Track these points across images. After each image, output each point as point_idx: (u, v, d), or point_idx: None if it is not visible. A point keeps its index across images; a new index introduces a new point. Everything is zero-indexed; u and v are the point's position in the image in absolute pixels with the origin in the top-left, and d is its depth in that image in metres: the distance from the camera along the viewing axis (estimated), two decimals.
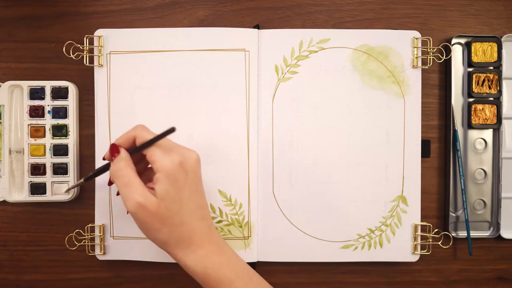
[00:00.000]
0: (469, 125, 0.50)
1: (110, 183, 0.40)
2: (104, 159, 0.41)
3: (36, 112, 0.49)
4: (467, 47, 0.50)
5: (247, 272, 0.39)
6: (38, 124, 0.49)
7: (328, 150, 0.49)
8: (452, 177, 0.51)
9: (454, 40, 0.50)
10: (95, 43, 0.49)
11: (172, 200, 0.36)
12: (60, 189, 0.49)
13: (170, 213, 0.36)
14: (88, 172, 0.50)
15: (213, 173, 0.49)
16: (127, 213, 0.37)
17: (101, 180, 0.49)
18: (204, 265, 0.37)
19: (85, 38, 0.48)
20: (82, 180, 0.43)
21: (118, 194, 0.43)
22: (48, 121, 0.49)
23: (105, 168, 0.40)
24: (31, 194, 0.49)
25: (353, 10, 0.51)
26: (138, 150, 0.38)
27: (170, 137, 0.38)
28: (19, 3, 0.51)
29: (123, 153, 0.37)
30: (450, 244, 0.50)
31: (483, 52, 0.50)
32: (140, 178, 0.37)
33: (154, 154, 0.36)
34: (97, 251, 0.49)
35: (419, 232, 0.49)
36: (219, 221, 0.49)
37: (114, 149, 0.38)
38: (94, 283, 0.51)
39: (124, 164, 0.37)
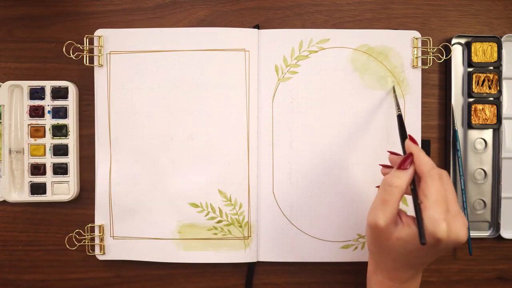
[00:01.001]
0: (469, 125, 0.50)
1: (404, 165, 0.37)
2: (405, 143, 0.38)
3: (36, 112, 0.49)
4: (467, 47, 0.50)
5: None
6: (38, 124, 0.49)
7: (328, 150, 0.49)
8: (452, 177, 0.51)
9: (454, 40, 0.50)
10: (95, 43, 0.49)
11: (405, 247, 0.35)
12: (61, 189, 0.49)
13: (393, 249, 0.36)
14: (89, 172, 0.50)
15: (213, 173, 0.49)
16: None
17: (101, 180, 0.49)
18: None
19: (85, 38, 0.48)
20: (399, 112, 0.43)
21: (383, 168, 0.42)
22: (48, 121, 0.49)
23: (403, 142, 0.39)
24: (31, 194, 0.49)
25: (353, 10, 0.51)
26: (416, 197, 0.35)
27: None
28: (19, 3, 0.51)
29: (409, 173, 0.35)
30: None
31: (483, 52, 0.50)
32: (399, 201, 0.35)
33: (427, 210, 0.33)
34: (97, 251, 0.49)
35: None
36: (219, 221, 0.49)
37: (407, 160, 0.36)
38: (94, 283, 0.51)
39: (399, 183, 0.35)
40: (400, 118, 0.43)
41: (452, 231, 0.33)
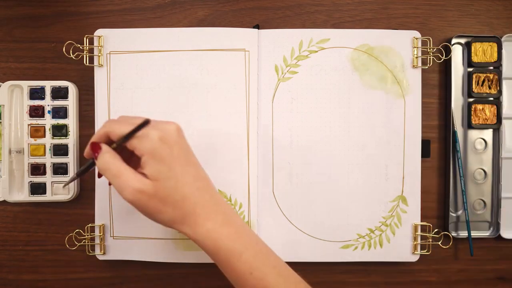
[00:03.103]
0: (469, 125, 0.50)
1: (100, 175, 0.39)
2: (85, 156, 0.39)
3: (36, 112, 0.49)
4: (467, 47, 0.50)
5: (256, 243, 0.39)
6: (38, 124, 0.49)
7: (328, 150, 0.49)
8: (452, 177, 0.51)
9: (454, 40, 0.50)
10: (95, 43, 0.49)
11: (166, 178, 0.35)
12: (58, 189, 0.49)
13: (168, 191, 0.35)
14: (88, 172, 0.50)
15: (213, 173, 0.49)
16: (127, 202, 0.35)
17: (101, 180, 0.49)
18: (213, 238, 0.36)
19: (85, 38, 0.48)
20: (74, 175, 0.42)
21: (110, 184, 0.41)
22: (48, 121, 0.49)
23: (91, 165, 0.39)
24: (31, 194, 0.49)
25: (352, 10, 0.51)
26: (118, 145, 0.37)
27: None
28: (19, 3, 0.51)
29: (105, 147, 0.36)
30: (450, 244, 0.50)
31: (483, 52, 0.50)
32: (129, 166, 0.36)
33: (132, 141, 0.35)
34: (97, 251, 0.49)
35: (419, 232, 0.49)
36: None
37: (95, 147, 0.37)
38: (94, 283, 0.51)
39: (109, 156, 0.36)
40: (81, 172, 0.41)
41: (159, 127, 0.36)
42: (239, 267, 0.37)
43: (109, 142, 0.37)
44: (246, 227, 0.39)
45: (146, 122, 0.35)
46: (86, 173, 0.41)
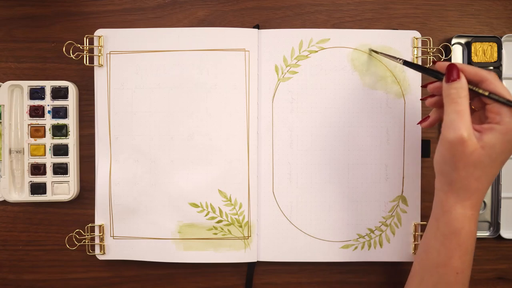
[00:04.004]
0: None
1: (426, 86, 0.40)
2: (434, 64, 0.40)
3: (36, 112, 0.49)
4: (467, 47, 0.50)
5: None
6: (38, 124, 0.49)
7: (328, 150, 0.49)
8: None
9: (454, 40, 0.50)
10: (95, 43, 0.49)
11: (489, 155, 0.35)
12: (61, 189, 0.49)
13: (479, 163, 0.35)
14: (89, 172, 0.50)
15: (213, 173, 0.49)
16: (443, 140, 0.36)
17: (101, 180, 0.49)
18: (463, 224, 0.37)
19: (85, 38, 0.48)
20: (400, 61, 0.43)
21: (422, 122, 0.43)
22: (48, 121, 0.49)
23: (432, 73, 0.39)
24: (31, 194, 0.49)
25: (353, 10, 0.51)
26: (481, 95, 0.36)
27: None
28: (19, 3, 0.51)
29: (464, 82, 0.36)
30: None
31: (483, 52, 0.50)
32: None
33: (502, 108, 0.35)
34: (97, 251, 0.49)
35: (419, 232, 0.49)
36: (219, 221, 0.49)
37: (455, 71, 0.36)
38: (94, 283, 0.51)
39: (464, 93, 0.36)
40: (408, 63, 0.43)
41: None
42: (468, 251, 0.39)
43: (472, 82, 0.37)
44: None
45: None
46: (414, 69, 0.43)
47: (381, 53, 0.48)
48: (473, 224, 0.38)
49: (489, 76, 0.36)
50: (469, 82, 0.37)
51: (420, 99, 0.45)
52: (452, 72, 0.37)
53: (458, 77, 0.36)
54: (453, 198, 0.38)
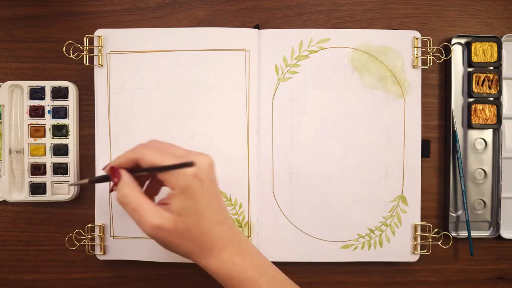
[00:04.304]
0: (469, 125, 0.50)
1: (112, 190, 0.38)
2: (104, 169, 0.38)
3: (36, 112, 0.49)
4: (467, 47, 0.50)
5: (270, 270, 0.39)
6: (38, 124, 0.49)
7: (328, 150, 0.49)
8: (452, 177, 0.51)
9: (454, 40, 0.50)
10: (95, 43, 0.49)
11: (189, 214, 0.35)
12: (60, 189, 0.49)
13: (188, 227, 0.35)
14: (89, 172, 0.50)
15: None
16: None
17: None
18: (228, 268, 0.37)
19: (85, 38, 0.48)
20: (86, 181, 0.41)
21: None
22: (48, 121, 0.49)
23: (107, 178, 0.38)
24: (31, 194, 0.49)
25: (353, 10, 0.51)
26: (144, 172, 0.36)
27: (173, 139, 0.37)
28: (19, 3, 0.51)
29: (125, 178, 0.36)
30: (450, 244, 0.50)
31: (483, 52, 0.50)
32: (146, 193, 0.36)
33: (164, 175, 0.35)
34: (97, 251, 0.49)
35: (419, 232, 0.49)
36: None
37: (114, 173, 0.36)
38: (94, 283, 0.51)
39: (129, 190, 0.35)
40: (92, 182, 0.40)
41: (194, 158, 0.35)
42: None
43: (135, 167, 0.37)
44: (261, 255, 0.40)
45: (188, 164, 0.34)
46: (99, 183, 0.40)
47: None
48: (234, 267, 0.37)
49: (137, 154, 0.36)
50: (131, 168, 0.36)
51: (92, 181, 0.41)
52: (113, 175, 0.36)
53: (119, 175, 0.36)
54: (203, 259, 0.37)
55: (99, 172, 0.49)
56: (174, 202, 0.35)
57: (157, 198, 0.40)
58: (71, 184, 0.45)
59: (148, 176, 0.40)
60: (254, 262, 0.38)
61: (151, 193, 0.40)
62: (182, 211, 0.35)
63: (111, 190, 0.38)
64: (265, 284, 0.37)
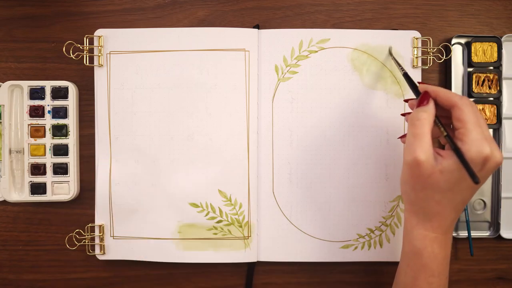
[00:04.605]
0: None
1: (403, 137, 0.40)
2: (420, 83, 0.39)
3: (36, 112, 0.49)
4: (467, 47, 0.50)
5: (446, 274, 0.40)
6: (38, 124, 0.49)
7: (328, 150, 0.49)
8: None
9: (454, 40, 0.50)
10: (95, 43, 0.49)
11: (447, 180, 0.35)
12: (61, 189, 0.49)
13: (437, 187, 0.35)
14: (88, 172, 0.50)
15: (213, 173, 0.49)
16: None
17: (101, 180, 0.49)
18: (424, 245, 0.38)
19: (85, 38, 0.48)
20: (401, 72, 0.44)
21: (401, 137, 0.43)
22: (48, 121, 0.49)
23: (416, 90, 0.39)
24: (31, 194, 0.49)
25: (353, 10, 0.51)
26: (443, 131, 0.36)
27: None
28: (19, 3, 0.51)
29: (431, 107, 0.36)
30: None
31: (483, 52, 0.50)
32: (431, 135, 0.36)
33: (469, 132, 0.34)
34: (97, 251, 0.49)
35: None
36: (219, 221, 0.49)
37: (426, 97, 0.37)
38: (94, 283, 0.51)
39: (425, 116, 0.36)
40: (407, 76, 0.43)
41: (493, 150, 0.34)
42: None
43: (445, 109, 0.37)
44: (449, 258, 0.41)
45: (475, 179, 0.33)
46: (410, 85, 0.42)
47: (393, 57, 0.48)
48: (437, 246, 0.38)
49: (459, 101, 0.36)
50: (442, 107, 0.37)
51: (401, 114, 0.45)
52: (423, 99, 0.37)
53: (427, 102, 0.37)
54: (414, 218, 0.38)
55: (99, 172, 0.49)
56: (449, 160, 0.35)
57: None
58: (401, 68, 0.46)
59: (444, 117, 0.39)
60: (445, 261, 0.39)
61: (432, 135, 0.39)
62: (447, 174, 0.35)
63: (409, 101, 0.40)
64: (436, 282, 0.39)
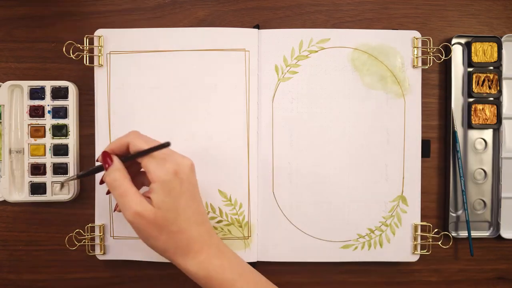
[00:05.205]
0: (469, 125, 0.50)
1: (102, 182, 0.40)
2: (97, 161, 0.41)
3: (36, 112, 0.49)
4: (467, 47, 0.50)
5: (249, 271, 0.40)
6: (38, 124, 0.49)
7: (328, 150, 0.49)
8: (452, 177, 0.51)
9: (454, 40, 0.50)
10: (95, 43, 0.49)
11: (168, 209, 0.36)
12: (57, 188, 0.49)
13: (167, 222, 0.36)
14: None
15: (213, 173, 0.49)
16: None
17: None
18: (206, 269, 0.38)
19: (85, 38, 0.48)
20: (74, 175, 0.42)
21: (115, 210, 0.44)
22: (48, 121, 0.49)
23: (97, 170, 0.40)
24: (31, 194, 0.49)
25: (353, 10, 0.51)
26: (131, 159, 0.38)
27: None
28: (19, 3, 0.51)
29: (117, 163, 0.37)
30: (450, 244, 0.50)
31: (483, 52, 0.50)
32: (134, 183, 0.37)
33: (148, 164, 0.37)
34: (97, 251, 0.49)
35: (419, 232, 0.49)
36: (219, 221, 0.49)
37: (106, 158, 0.38)
38: (94, 283, 0.51)
39: (118, 175, 0.37)
40: (86, 173, 0.42)
41: (176, 160, 0.38)
42: None
43: (126, 153, 0.38)
44: (238, 258, 0.41)
45: (166, 144, 0.36)
46: (87, 177, 0.42)
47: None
48: (212, 268, 0.38)
49: (128, 138, 0.38)
50: (123, 154, 0.38)
51: (99, 183, 0.42)
52: (105, 160, 0.38)
53: (111, 160, 0.37)
54: (180, 258, 0.38)
55: (100, 173, 0.49)
56: (154, 195, 0.36)
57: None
58: (62, 183, 0.46)
59: (136, 167, 0.41)
60: (232, 264, 0.39)
61: (137, 185, 0.41)
62: (162, 206, 0.36)
63: (101, 182, 0.40)
64: (244, 285, 0.38)
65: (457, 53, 0.51)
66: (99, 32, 0.49)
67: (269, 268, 0.51)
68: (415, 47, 0.49)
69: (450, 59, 0.50)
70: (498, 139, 0.50)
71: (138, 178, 0.42)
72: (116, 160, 0.38)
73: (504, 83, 0.51)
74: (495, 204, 0.51)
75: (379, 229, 0.49)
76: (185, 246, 0.38)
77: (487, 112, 0.50)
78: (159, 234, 0.37)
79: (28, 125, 0.49)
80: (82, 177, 0.42)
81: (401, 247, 0.49)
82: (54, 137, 0.49)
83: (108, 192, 0.43)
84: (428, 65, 0.49)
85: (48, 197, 0.49)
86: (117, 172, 0.37)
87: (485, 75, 0.50)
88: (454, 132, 0.50)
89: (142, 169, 0.40)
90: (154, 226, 0.36)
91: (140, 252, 0.49)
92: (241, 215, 0.49)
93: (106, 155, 0.38)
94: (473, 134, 0.51)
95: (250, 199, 0.49)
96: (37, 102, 0.49)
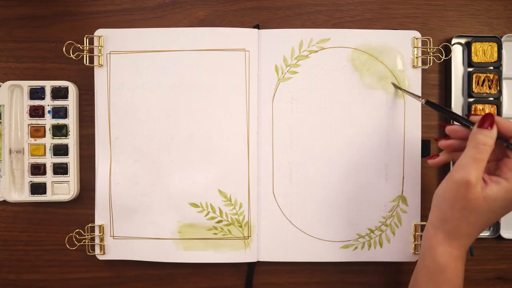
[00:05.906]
0: None
1: (432, 159, 0.42)
2: (467, 115, 0.40)
3: (36, 112, 0.49)
4: (467, 47, 0.50)
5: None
6: (38, 124, 0.49)
7: (328, 150, 0.49)
8: None
9: (454, 40, 0.50)
10: (95, 43, 0.49)
11: (489, 208, 0.36)
12: (61, 189, 0.49)
13: (476, 211, 0.36)
14: (88, 172, 0.50)
15: (213, 173, 0.49)
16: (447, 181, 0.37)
17: (101, 180, 0.49)
18: (449, 262, 0.38)
19: (85, 38, 0.48)
20: (423, 101, 0.44)
21: (430, 158, 0.44)
22: (48, 121, 0.49)
23: (466, 122, 0.39)
24: (31, 194, 0.49)
25: (353, 10, 0.51)
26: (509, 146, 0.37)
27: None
28: (19, 3, 0.51)
29: (495, 133, 0.36)
30: None
31: (483, 52, 0.50)
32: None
33: None
34: (97, 251, 0.49)
35: (419, 232, 0.49)
36: (219, 221, 0.49)
37: (490, 120, 0.36)
38: (94, 283, 0.51)
39: (491, 144, 0.36)
40: (431, 103, 0.43)
41: None
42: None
43: (504, 135, 0.38)
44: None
45: None
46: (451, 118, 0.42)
47: (403, 90, 0.48)
48: (460, 263, 0.38)
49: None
50: (500, 135, 0.37)
51: (435, 139, 0.45)
52: (486, 120, 0.37)
53: (491, 127, 0.37)
54: (441, 235, 0.38)
55: (99, 172, 0.49)
56: (493, 188, 0.35)
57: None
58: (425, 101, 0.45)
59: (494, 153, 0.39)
60: (460, 278, 0.39)
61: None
62: (490, 202, 0.35)
63: (425, 157, 0.41)
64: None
65: (457, 53, 0.51)
66: (99, 32, 0.49)
67: (269, 268, 0.51)
68: (415, 47, 0.49)
69: (450, 59, 0.50)
70: None
71: (489, 163, 0.39)
72: (495, 130, 0.36)
73: (504, 83, 0.51)
74: None
75: (379, 229, 0.49)
76: (458, 236, 0.38)
77: (487, 112, 0.50)
78: (458, 211, 0.36)
79: (28, 125, 0.49)
80: (458, 121, 0.41)
81: (401, 247, 0.49)
82: (54, 137, 0.49)
83: (427, 157, 0.44)
84: (428, 65, 0.49)
85: (48, 197, 0.49)
86: (492, 141, 0.36)
87: (485, 75, 0.50)
88: None
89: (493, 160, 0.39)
90: (466, 202, 0.36)
91: (140, 252, 0.49)
92: (241, 215, 0.49)
93: (491, 118, 0.36)
94: None
95: (250, 199, 0.49)
96: (37, 102, 0.49)
